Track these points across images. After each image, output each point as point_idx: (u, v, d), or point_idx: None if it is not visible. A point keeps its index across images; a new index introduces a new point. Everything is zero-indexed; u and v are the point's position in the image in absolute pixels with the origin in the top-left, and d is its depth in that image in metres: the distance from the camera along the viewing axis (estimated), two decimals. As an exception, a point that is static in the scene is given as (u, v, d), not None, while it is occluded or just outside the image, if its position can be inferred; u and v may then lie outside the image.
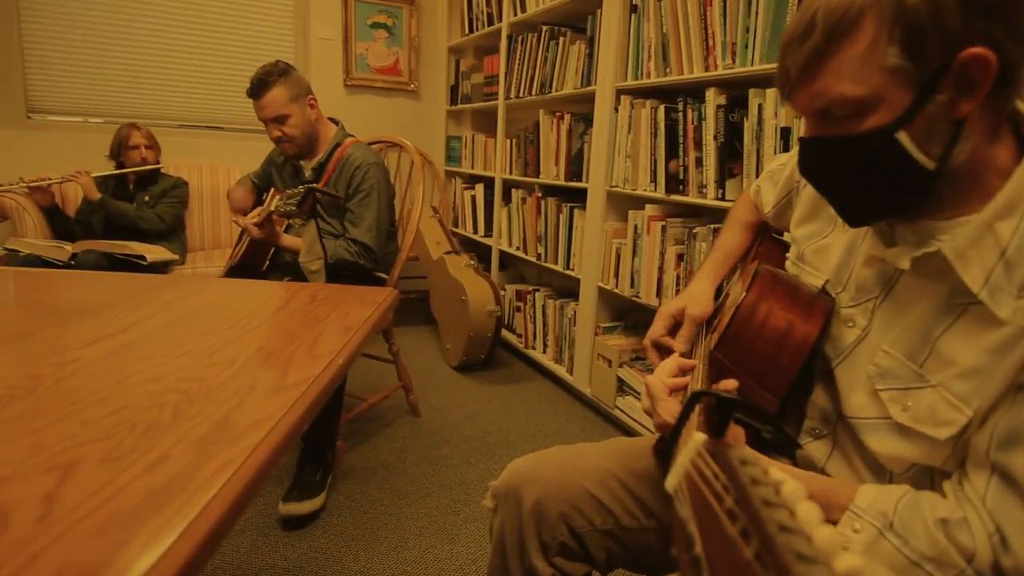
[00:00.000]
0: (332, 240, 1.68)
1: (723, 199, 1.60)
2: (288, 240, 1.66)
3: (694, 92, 1.72)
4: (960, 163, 0.54)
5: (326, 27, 3.15)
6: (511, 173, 2.72)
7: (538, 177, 2.49)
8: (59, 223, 2.46)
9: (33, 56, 2.71)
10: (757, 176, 1.48)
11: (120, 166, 2.53)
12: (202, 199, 2.83)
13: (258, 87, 1.65)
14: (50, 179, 2.38)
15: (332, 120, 1.82)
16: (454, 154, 3.41)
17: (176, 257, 2.44)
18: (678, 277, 1.75)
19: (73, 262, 2.13)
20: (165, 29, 2.90)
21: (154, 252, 2.31)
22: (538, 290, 2.59)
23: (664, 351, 0.86)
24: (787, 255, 0.81)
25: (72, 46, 2.76)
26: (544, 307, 2.51)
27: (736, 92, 1.59)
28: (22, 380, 0.57)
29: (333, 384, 0.65)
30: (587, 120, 2.20)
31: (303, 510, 1.46)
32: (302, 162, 1.79)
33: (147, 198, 2.53)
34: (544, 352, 2.54)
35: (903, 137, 0.53)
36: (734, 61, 1.56)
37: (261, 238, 1.59)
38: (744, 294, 0.71)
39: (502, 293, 2.74)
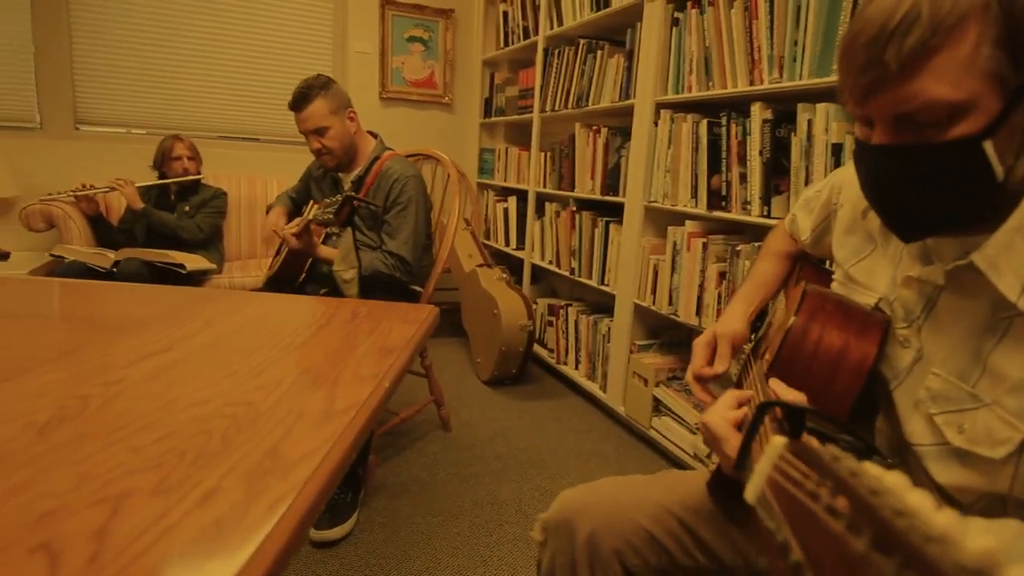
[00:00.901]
0: (368, 252, 1.68)
1: (768, 216, 1.55)
2: (325, 251, 1.67)
3: (738, 106, 1.67)
4: (1021, 174, 0.52)
5: (363, 41, 3.19)
6: (545, 186, 2.70)
7: (573, 191, 2.46)
8: (103, 231, 2.52)
9: (82, 69, 2.80)
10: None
11: (163, 176, 2.59)
12: (240, 209, 2.87)
13: (299, 100, 1.67)
14: (96, 188, 2.44)
15: (371, 133, 1.83)
16: (487, 166, 3.41)
17: (214, 266, 2.48)
18: (720, 295, 1.70)
19: (115, 269, 2.17)
20: (208, 43, 2.96)
21: (193, 261, 2.34)
22: (571, 305, 2.56)
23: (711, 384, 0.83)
24: (833, 278, 0.78)
25: (119, 59, 2.84)
26: (577, 322, 2.48)
27: (783, 107, 1.54)
28: (72, 400, 0.56)
29: (380, 409, 0.63)
30: (624, 134, 2.17)
31: (334, 536, 1.45)
32: (341, 175, 1.80)
33: (187, 208, 2.57)
34: (576, 368, 2.50)
35: (988, 147, 0.50)
36: (781, 75, 1.51)
37: (299, 248, 1.59)
38: (793, 317, 0.67)
39: (534, 307, 2.72)
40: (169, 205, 2.58)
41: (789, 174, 1.50)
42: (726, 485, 0.70)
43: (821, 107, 1.40)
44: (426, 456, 1.90)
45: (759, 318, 0.93)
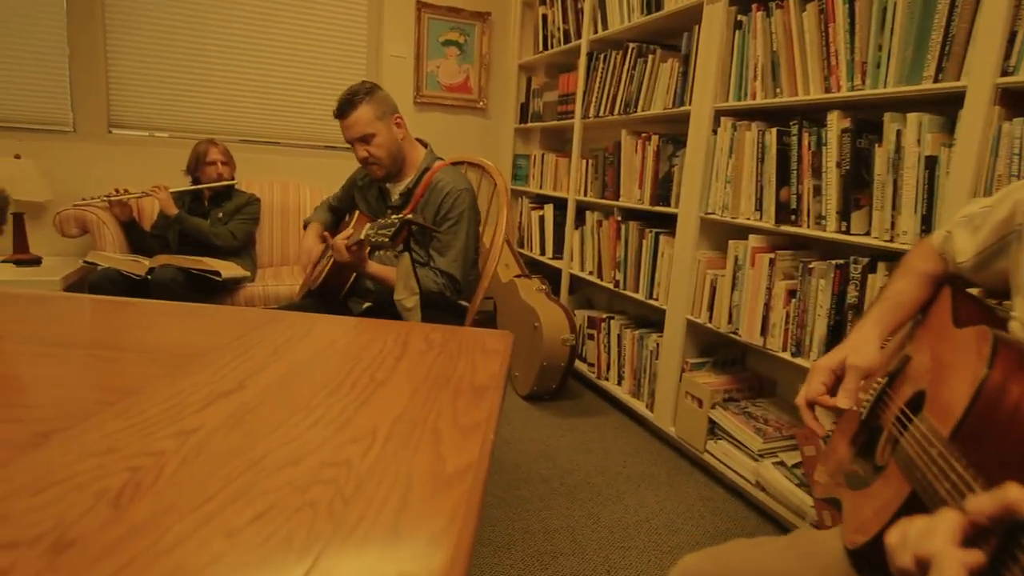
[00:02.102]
0: (420, 269, 1.60)
1: (847, 232, 1.44)
2: (375, 268, 1.58)
3: (809, 115, 1.58)
4: None
5: (398, 44, 3.13)
6: (586, 195, 2.61)
7: (618, 200, 2.37)
8: (136, 237, 2.47)
9: (116, 72, 2.76)
10: (894, 208, 1.34)
11: (196, 181, 2.54)
12: (273, 216, 2.82)
13: (344, 106, 1.60)
14: (130, 194, 2.39)
15: (421, 141, 1.75)
16: (520, 173, 3.32)
17: (248, 274, 2.42)
18: (788, 315, 1.59)
19: (150, 276, 2.12)
20: (242, 46, 2.92)
21: (228, 268, 2.29)
22: (612, 318, 2.47)
23: (834, 412, 0.74)
24: (1013, 316, 0.67)
25: (153, 62, 2.81)
26: (620, 336, 2.38)
27: (864, 115, 1.44)
28: (146, 458, 0.49)
29: (490, 469, 0.55)
30: (677, 142, 2.07)
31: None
32: (389, 185, 1.72)
33: (221, 214, 2.52)
34: (619, 384, 2.40)
35: None
36: (863, 81, 1.41)
37: (348, 261, 1.51)
38: (986, 371, 0.57)
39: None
40: (202, 211, 2.53)
41: (871, 188, 1.40)
42: (876, 559, 0.60)
43: (913, 117, 1.29)
44: (470, 478, 1.81)
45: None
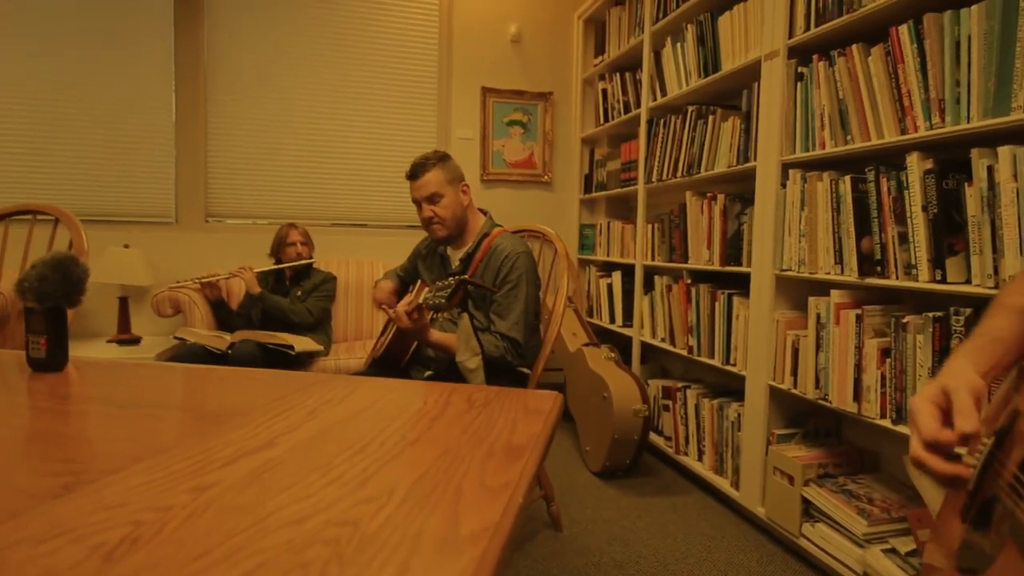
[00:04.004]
0: (481, 334, 1.58)
1: (943, 281, 1.30)
2: (436, 336, 1.58)
3: (885, 159, 1.47)
4: None
5: (465, 128, 3.29)
6: (653, 259, 2.54)
7: (686, 262, 2.29)
8: (223, 315, 2.63)
9: (214, 167, 3.06)
10: (995, 251, 1.20)
11: (279, 262, 2.70)
12: (348, 292, 2.94)
13: (417, 168, 1.69)
14: (219, 275, 2.57)
15: (481, 211, 1.79)
16: (587, 242, 3.31)
17: (321, 348, 2.50)
18: (884, 376, 1.43)
19: (230, 351, 2.23)
20: (322, 138, 3.17)
21: (302, 343, 2.37)
22: (688, 387, 2.32)
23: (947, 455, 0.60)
24: None
25: (244, 158, 3.10)
26: (698, 407, 2.23)
27: (947, 155, 1.33)
28: (151, 513, 0.47)
29: (516, 534, 0.49)
30: (744, 199, 2.00)
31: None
32: (450, 251, 1.75)
33: (300, 292, 2.65)
34: (700, 460, 2.22)
35: None
36: (943, 119, 1.31)
37: (409, 328, 1.52)
38: None
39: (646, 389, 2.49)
40: (284, 289, 2.67)
41: (965, 231, 1.26)
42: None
43: (1005, 150, 1.17)
44: (537, 560, 1.69)
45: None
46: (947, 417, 0.63)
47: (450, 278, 1.41)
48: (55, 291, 0.92)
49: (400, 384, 0.93)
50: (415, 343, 1.72)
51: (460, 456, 0.61)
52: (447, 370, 1.61)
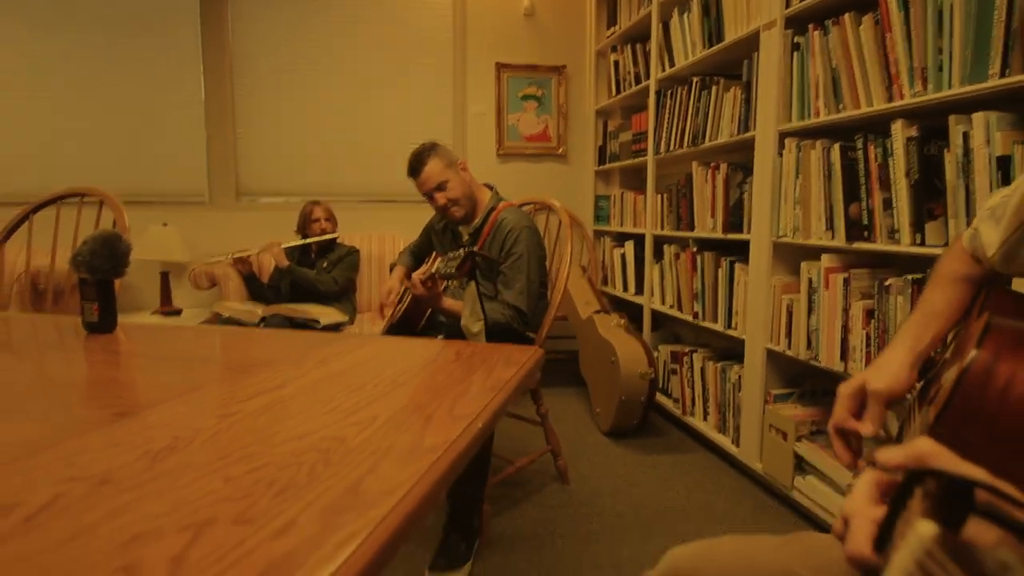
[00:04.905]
0: (488, 302, 1.70)
1: (922, 244, 1.35)
2: (447, 303, 1.71)
3: (874, 127, 1.52)
4: None
5: (480, 103, 3.36)
6: (662, 229, 2.61)
7: (692, 231, 2.35)
8: (255, 288, 2.81)
9: (243, 149, 3.21)
10: (968, 215, 1.25)
11: (304, 237, 2.85)
12: (370, 265, 3.08)
13: (415, 165, 1.78)
14: (249, 251, 2.74)
15: (487, 186, 1.88)
16: (602, 213, 3.38)
17: (346, 319, 2.65)
18: (868, 337, 1.50)
19: (261, 324, 2.40)
20: (342, 118, 3.29)
21: (327, 316, 2.52)
22: (695, 351, 2.40)
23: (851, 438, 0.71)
24: None
25: (270, 139, 3.24)
26: (703, 370, 2.31)
27: (930, 122, 1.37)
28: (186, 431, 0.60)
29: (470, 449, 0.60)
30: (745, 168, 2.05)
31: (447, 581, 1.42)
32: (461, 228, 1.86)
33: (325, 264, 2.81)
34: (705, 420, 2.32)
35: None
36: (924, 87, 1.35)
37: (424, 296, 1.64)
38: (974, 351, 0.55)
39: (656, 355, 2.59)
40: (310, 262, 2.83)
41: (944, 196, 1.31)
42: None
43: (979, 117, 1.22)
44: (543, 509, 1.83)
45: (927, 364, 0.78)
46: (861, 408, 0.73)
47: (460, 250, 1.52)
48: (103, 264, 1.06)
49: (401, 341, 1.05)
50: (429, 310, 1.84)
51: (438, 394, 0.73)
52: (457, 334, 1.73)
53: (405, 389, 0.75)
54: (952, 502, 0.29)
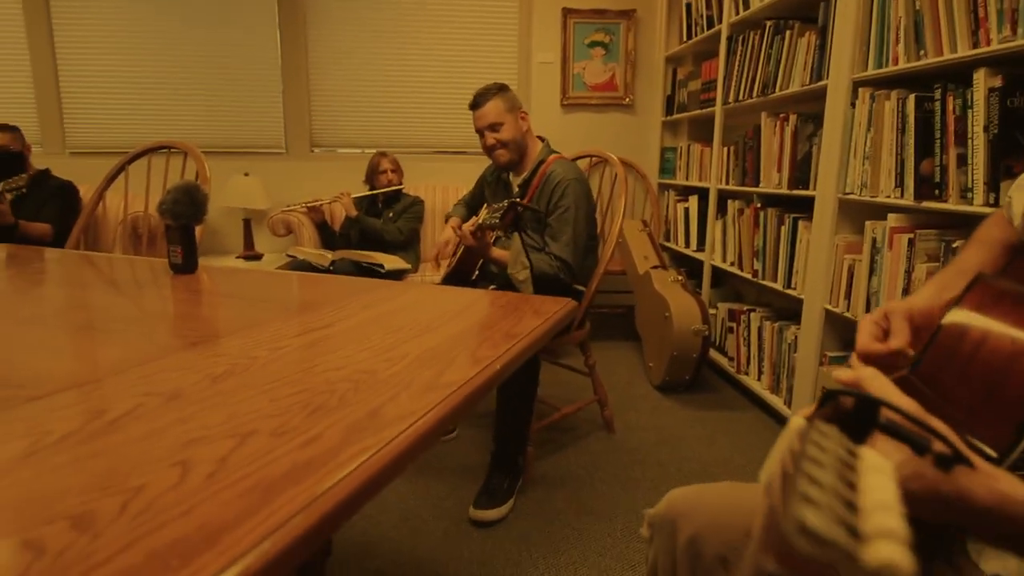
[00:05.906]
0: (536, 253, 1.75)
1: (995, 204, 1.27)
2: (496, 252, 1.77)
3: (956, 77, 1.40)
4: None
5: (546, 51, 3.31)
6: (727, 183, 2.53)
7: (757, 186, 2.27)
8: (327, 235, 2.97)
9: (317, 102, 3.34)
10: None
11: (372, 188, 2.97)
12: (434, 216, 3.17)
13: (478, 99, 1.84)
14: (321, 200, 2.89)
15: (540, 138, 1.90)
16: (668, 166, 3.30)
17: (409, 266, 2.78)
18: (928, 301, 1.43)
19: (331, 268, 2.56)
20: (410, 71, 3.33)
21: (391, 262, 2.65)
22: (754, 310, 2.36)
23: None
24: None
25: (343, 92, 3.34)
26: (760, 329, 2.28)
27: (1018, 70, 1.26)
28: (244, 359, 0.69)
29: (485, 389, 0.66)
30: (816, 120, 1.94)
31: (489, 517, 1.53)
32: (512, 177, 1.90)
33: (391, 214, 2.92)
34: (759, 379, 2.30)
35: None
36: (1014, 32, 1.24)
37: (473, 246, 1.71)
38: (954, 308, 0.55)
39: (713, 312, 2.56)
40: (377, 212, 2.95)
41: (1026, 152, 1.22)
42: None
43: (1072, 64, 1.11)
44: (586, 455, 1.90)
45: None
46: (887, 336, 0.72)
47: (505, 201, 1.57)
48: (185, 211, 1.18)
49: (441, 290, 1.12)
50: (480, 260, 1.91)
51: (465, 338, 0.79)
52: (508, 284, 1.80)
53: (437, 333, 0.82)
54: (859, 417, 0.35)
